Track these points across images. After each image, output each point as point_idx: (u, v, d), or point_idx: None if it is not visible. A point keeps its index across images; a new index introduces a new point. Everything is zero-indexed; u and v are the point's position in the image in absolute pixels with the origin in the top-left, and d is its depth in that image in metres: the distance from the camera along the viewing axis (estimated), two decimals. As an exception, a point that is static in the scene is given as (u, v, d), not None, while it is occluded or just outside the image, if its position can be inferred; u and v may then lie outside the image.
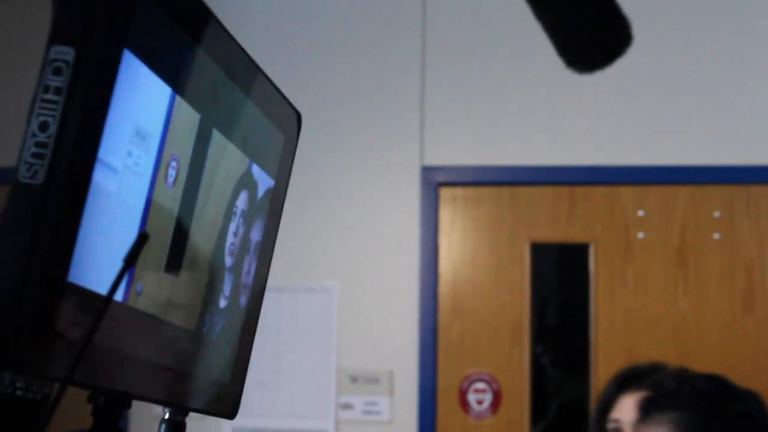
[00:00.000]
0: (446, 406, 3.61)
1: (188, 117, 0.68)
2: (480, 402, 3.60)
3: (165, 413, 0.77)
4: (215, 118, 0.72)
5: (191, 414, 0.79)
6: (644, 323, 3.60)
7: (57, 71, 0.54)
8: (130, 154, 0.61)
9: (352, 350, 3.64)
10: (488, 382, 3.61)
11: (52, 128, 0.54)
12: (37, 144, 0.54)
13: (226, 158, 0.75)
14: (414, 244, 3.68)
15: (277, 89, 0.84)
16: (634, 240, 3.65)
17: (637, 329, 3.59)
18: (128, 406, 0.69)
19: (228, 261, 0.78)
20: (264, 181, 0.83)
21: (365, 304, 3.66)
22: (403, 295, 3.65)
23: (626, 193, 3.68)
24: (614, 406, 2.15)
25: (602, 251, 3.65)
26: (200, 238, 0.73)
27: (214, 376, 0.80)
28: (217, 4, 0.81)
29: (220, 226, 0.76)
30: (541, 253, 3.71)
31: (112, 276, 0.56)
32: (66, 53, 0.55)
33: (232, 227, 0.77)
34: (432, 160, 3.72)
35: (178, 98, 0.66)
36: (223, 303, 0.78)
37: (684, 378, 1.82)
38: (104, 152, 0.57)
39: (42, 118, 0.54)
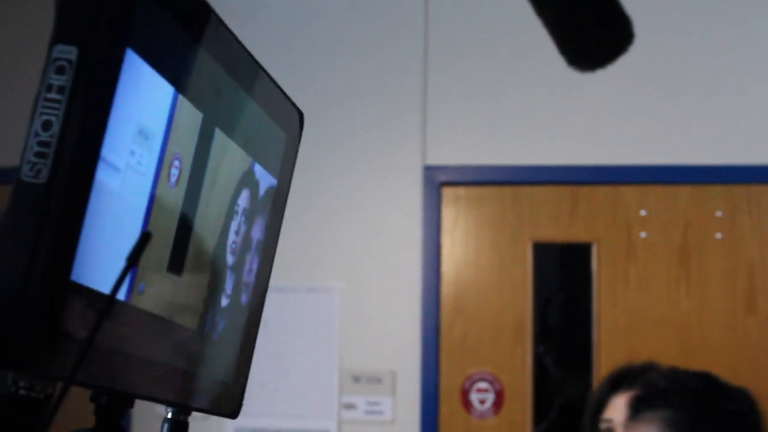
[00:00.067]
0: (449, 405, 3.61)
1: (191, 116, 0.68)
2: (482, 402, 3.60)
3: (167, 413, 0.77)
4: (218, 117, 0.72)
5: (194, 413, 0.79)
6: (647, 323, 3.59)
7: (60, 70, 0.54)
8: (132, 153, 0.61)
9: (355, 350, 3.64)
10: (491, 382, 3.61)
11: (55, 127, 0.54)
12: (40, 143, 0.54)
13: (229, 157, 0.75)
14: (416, 244, 3.68)
15: (280, 88, 0.84)
16: (636, 239, 3.65)
17: (639, 329, 3.59)
18: (131, 405, 0.69)
19: (230, 260, 0.78)
20: (266, 180, 0.83)
21: (368, 304, 3.66)
22: (406, 294, 3.65)
23: (629, 192, 3.67)
24: (607, 406, 2.15)
25: (605, 251, 3.65)
26: (202, 237, 0.73)
27: (217, 375, 0.80)
28: (219, 3, 0.81)
29: (221, 224, 0.76)
30: (543, 252, 3.71)
31: (115, 275, 0.56)
32: (69, 52, 0.55)
33: (233, 226, 0.77)
34: (434, 160, 3.72)
35: (180, 97, 0.66)
36: (224, 302, 0.78)
37: (674, 376, 1.82)
38: (107, 151, 0.57)
39: (45, 117, 0.54)
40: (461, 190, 3.72)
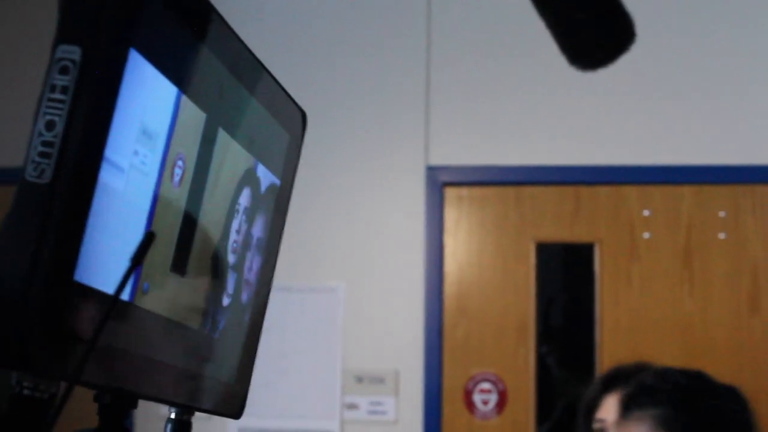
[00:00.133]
0: (451, 406, 3.61)
1: (194, 116, 0.68)
2: (485, 402, 3.60)
3: (171, 413, 0.77)
4: (221, 117, 0.72)
5: (197, 414, 0.79)
6: (650, 323, 3.59)
7: (64, 70, 0.54)
8: (136, 153, 0.61)
9: (357, 350, 3.64)
10: (494, 383, 3.61)
11: (59, 127, 0.54)
12: (44, 143, 0.54)
13: (232, 157, 0.75)
14: (419, 244, 3.68)
15: (283, 88, 0.84)
16: (639, 240, 3.64)
17: (642, 329, 3.59)
18: (134, 405, 0.69)
19: (231, 259, 0.78)
20: (267, 177, 0.83)
21: (370, 304, 3.66)
22: (408, 295, 3.65)
23: (632, 193, 3.67)
24: (599, 406, 2.16)
25: (607, 251, 3.65)
26: (205, 237, 0.73)
27: (220, 375, 0.80)
28: (222, 3, 0.82)
29: (223, 224, 0.76)
30: (546, 253, 3.71)
31: (119, 275, 0.56)
32: (72, 52, 0.55)
33: (234, 225, 0.77)
34: (437, 160, 3.72)
35: (184, 97, 0.66)
36: (226, 301, 0.78)
37: (665, 375, 1.83)
38: (111, 151, 0.57)
39: (49, 117, 0.54)
40: (464, 191, 3.72)
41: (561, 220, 3.69)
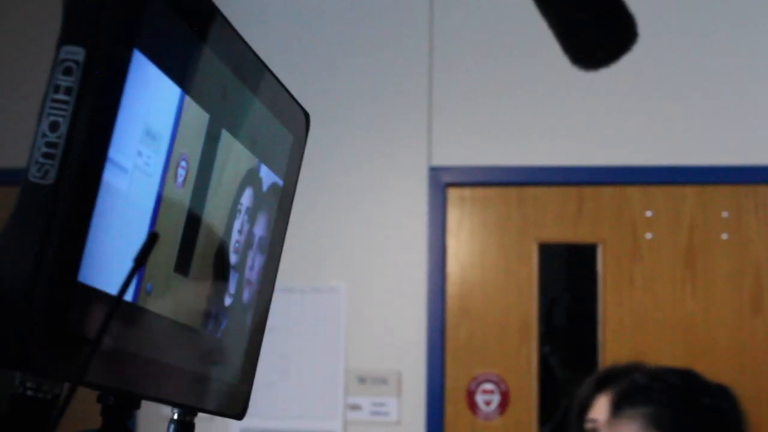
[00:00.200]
0: (454, 406, 3.61)
1: (197, 117, 0.68)
2: (488, 403, 3.60)
3: (174, 413, 0.77)
4: (224, 118, 0.72)
5: (199, 414, 0.79)
6: (652, 323, 3.59)
7: (67, 71, 0.55)
8: (140, 153, 0.61)
9: (360, 351, 3.64)
10: (496, 383, 3.61)
11: (63, 128, 0.54)
12: (48, 144, 0.54)
13: (234, 158, 0.75)
14: (422, 245, 3.68)
15: (286, 89, 0.84)
16: (642, 240, 3.64)
17: (645, 329, 3.59)
18: (137, 406, 0.69)
19: (233, 259, 0.78)
20: (269, 178, 0.83)
21: (373, 305, 3.66)
22: (411, 295, 3.65)
23: (634, 193, 3.67)
24: (592, 406, 2.16)
25: (610, 251, 3.65)
26: (208, 237, 0.73)
27: (223, 376, 0.80)
28: (225, 4, 0.82)
29: (225, 224, 0.76)
30: (549, 253, 3.71)
31: (122, 276, 0.56)
32: (76, 53, 0.55)
33: (236, 225, 0.77)
34: (439, 161, 3.72)
35: (187, 98, 0.66)
36: (228, 301, 0.79)
37: (655, 374, 1.83)
38: (114, 152, 0.57)
39: (52, 118, 0.54)
40: (466, 191, 3.72)
41: (563, 220, 3.68)
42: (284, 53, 3.74)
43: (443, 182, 3.71)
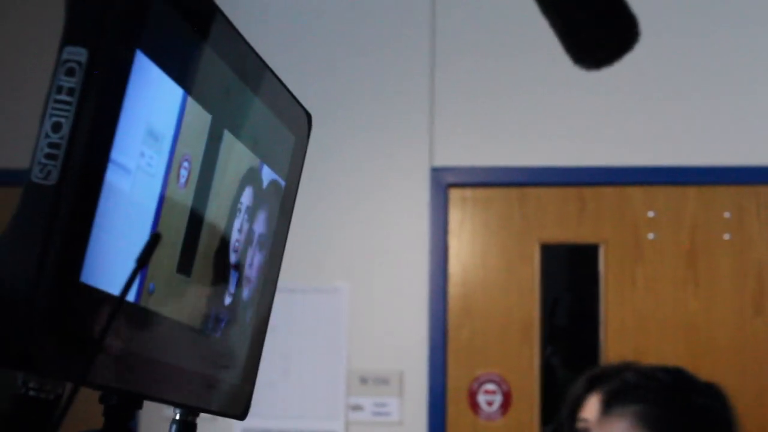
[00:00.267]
0: (456, 407, 3.61)
1: (200, 118, 0.68)
2: (490, 403, 3.60)
3: (175, 414, 0.77)
4: (226, 119, 0.72)
5: (201, 415, 0.79)
6: (654, 324, 3.59)
7: (70, 72, 0.55)
8: (142, 154, 0.61)
9: (362, 351, 3.64)
10: (498, 383, 3.61)
11: (65, 129, 0.54)
12: (50, 145, 0.54)
13: (236, 158, 0.75)
14: (423, 245, 3.68)
15: (288, 90, 0.84)
16: (644, 241, 3.64)
17: (647, 330, 3.59)
18: (139, 406, 0.69)
19: (233, 258, 0.78)
20: (269, 175, 0.83)
21: (375, 305, 3.66)
22: (413, 295, 3.65)
23: (636, 193, 3.67)
24: (583, 405, 2.16)
25: (612, 252, 3.65)
26: (210, 237, 0.73)
27: (225, 376, 0.80)
28: (227, 5, 0.82)
29: (226, 224, 0.76)
30: (550, 253, 3.70)
31: (125, 276, 0.56)
32: (79, 54, 0.55)
33: (236, 224, 0.78)
34: (441, 161, 3.72)
35: (189, 99, 0.66)
36: (228, 301, 0.79)
37: (645, 372, 1.84)
38: (117, 153, 0.57)
39: (55, 119, 0.54)
40: (468, 192, 3.72)
41: (565, 221, 3.68)
42: (285, 53, 3.74)
43: (445, 183, 3.71)
